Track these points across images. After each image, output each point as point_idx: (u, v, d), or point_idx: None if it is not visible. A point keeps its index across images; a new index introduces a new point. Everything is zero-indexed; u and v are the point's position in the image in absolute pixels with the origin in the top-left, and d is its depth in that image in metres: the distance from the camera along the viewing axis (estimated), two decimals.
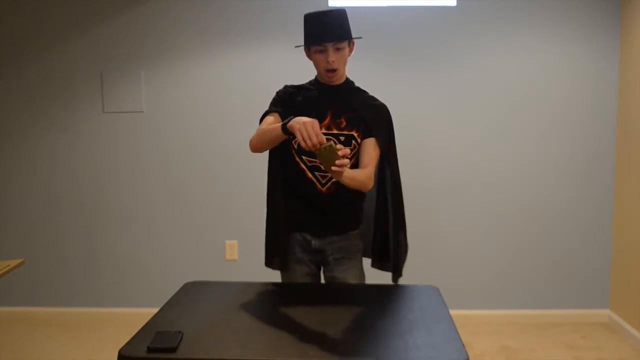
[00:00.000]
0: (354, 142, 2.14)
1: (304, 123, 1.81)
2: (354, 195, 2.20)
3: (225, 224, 3.87)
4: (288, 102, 2.18)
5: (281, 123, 1.96)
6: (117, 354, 1.49)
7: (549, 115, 3.75)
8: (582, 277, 3.83)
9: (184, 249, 3.90)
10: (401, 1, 3.67)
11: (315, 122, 1.82)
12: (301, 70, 3.76)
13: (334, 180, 2.14)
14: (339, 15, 2.07)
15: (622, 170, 3.66)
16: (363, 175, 2.03)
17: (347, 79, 2.21)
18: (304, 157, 2.15)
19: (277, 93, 2.22)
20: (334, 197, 2.17)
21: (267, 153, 2.27)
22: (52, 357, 3.31)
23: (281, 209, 2.23)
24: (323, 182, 2.16)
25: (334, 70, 2.10)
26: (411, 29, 3.72)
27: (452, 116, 3.76)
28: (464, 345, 1.53)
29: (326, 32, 2.03)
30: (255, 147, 2.10)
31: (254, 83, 3.78)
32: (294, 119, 1.88)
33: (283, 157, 2.21)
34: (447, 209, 3.82)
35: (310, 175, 2.16)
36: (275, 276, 3.83)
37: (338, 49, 2.07)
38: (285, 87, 2.23)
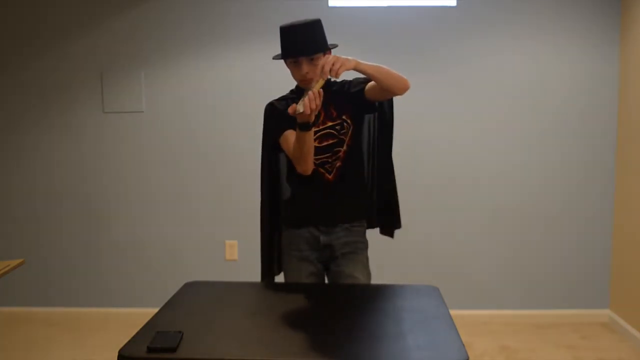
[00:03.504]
0: (345, 125, 2.20)
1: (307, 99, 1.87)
2: (360, 180, 2.30)
3: (225, 224, 3.87)
4: (281, 114, 2.20)
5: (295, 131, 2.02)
6: (117, 354, 1.49)
7: (549, 115, 3.75)
8: (582, 277, 3.83)
9: (184, 249, 3.90)
10: (401, 1, 3.67)
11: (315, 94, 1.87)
12: None
13: (338, 165, 2.20)
14: (312, 28, 2.09)
15: (622, 169, 3.66)
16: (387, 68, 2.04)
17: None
18: (320, 157, 2.19)
19: (270, 114, 2.24)
20: (340, 183, 2.22)
21: (259, 160, 2.32)
22: (52, 357, 3.31)
23: (281, 209, 2.33)
24: (330, 170, 2.21)
25: (309, 80, 2.14)
26: (411, 29, 3.72)
27: (451, 116, 3.76)
28: (464, 345, 1.54)
29: (298, 46, 2.08)
30: (307, 167, 2.12)
31: (254, 83, 3.78)
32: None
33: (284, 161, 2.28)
34: (447, 209, 3.82)
35: (320, 169, 2.20)
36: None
37: (312, 60, 2.11)
38: (272, 105, 2.24)
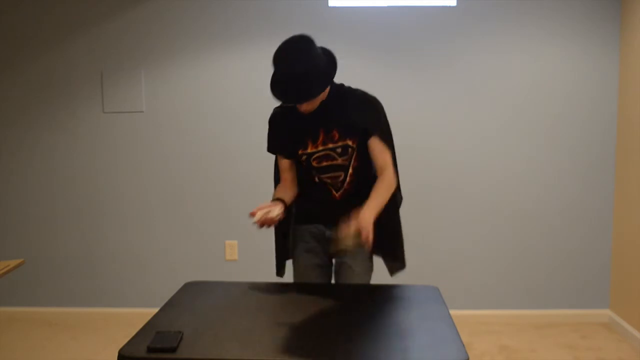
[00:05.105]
0: (349, 149, 2.15)
1: None
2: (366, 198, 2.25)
3: (225, 224, 3.87)
4: (281, 127, 2.20)
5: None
6: (117, 354, 1.49)
7: (549, 115, 3.75)
8: (582, 277, 3.83)
9: (184, 249, 3.90)
10: (401, 1, 3.67)
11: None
12: None
13: (347, 187, 2.20)
14: (307, 68, 1.91)
15: (622, 170, 3.66)
16: (385, 186, 2.10)
17: (330, 86, 2.12)
18: (322, 176, 2.20)
19: (270, 124, 2.23)
20: (347, 201, 2.22)
21: (272, 158, 2.30)
22: (52, 357, 3.31)
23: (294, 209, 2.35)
24: (337, 189, 2.21)
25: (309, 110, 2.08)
26: (411, 29, 3.72)
27: (451, 116, 3.76)
28: (464, 345, 1.54)
29: (292, 94, 1.93)
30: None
31: (254, 83, 3.78)
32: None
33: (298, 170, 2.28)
34: (447, 209, 3.82)
35: (327, 183, 2.22)
36: (273, 276, 3.83)
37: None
38: (274, 115, 2.22)
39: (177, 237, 3.90)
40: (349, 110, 2.12)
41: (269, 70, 3.73)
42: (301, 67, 1.91)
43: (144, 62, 3.80)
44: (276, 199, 2.13)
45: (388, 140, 2.18)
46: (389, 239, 2.29)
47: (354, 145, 2.14)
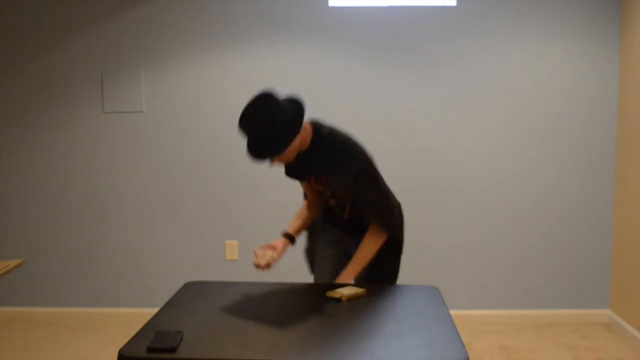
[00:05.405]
0: (338, 193, 2.26)
1: None
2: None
3: (225, 224, 3.87)
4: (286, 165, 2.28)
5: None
6: (117, 354, 1.49)
7: (549, 115, 3.75)
8: (582, 277, 3.83)
9: (184, 249, 3.90)
10: (401, 1, 3.68)
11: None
12: (300, 71, 3.76)
13: (345, 223, 2.35)
14: (264, 127, 1.91)
15: (622, 170, 3.66)
16: (370, 243, 2.19)
17: (312, 133, 2.12)
18: (330, 200, 2.32)
19: None
20: (354, 220, 2.34)
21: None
22: (52, 357, 3.31)
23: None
24: (342, 211, 2.33)
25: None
26: (411, 29, 3.72)
27: (452, 116, 3.77)
28: (464, 345, 1.54)
29: (257, 152, 1.95)
30: None
31: (254, 83, 3.78)
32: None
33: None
34: (447, 209, 3.82)
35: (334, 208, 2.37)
36: (274, 276, 3.84)
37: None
38: None
39: (177, 237, 3.90)
40: (329, 162, 2.12)
41: (269, 70, 3.73)
42: (258, 127, 1.93)
43: (144, 62, 3.80)
44: (285, 234, 2.26)
45: (368, 192, 2.16)
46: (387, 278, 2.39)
47: (343, 193, 2.25)
